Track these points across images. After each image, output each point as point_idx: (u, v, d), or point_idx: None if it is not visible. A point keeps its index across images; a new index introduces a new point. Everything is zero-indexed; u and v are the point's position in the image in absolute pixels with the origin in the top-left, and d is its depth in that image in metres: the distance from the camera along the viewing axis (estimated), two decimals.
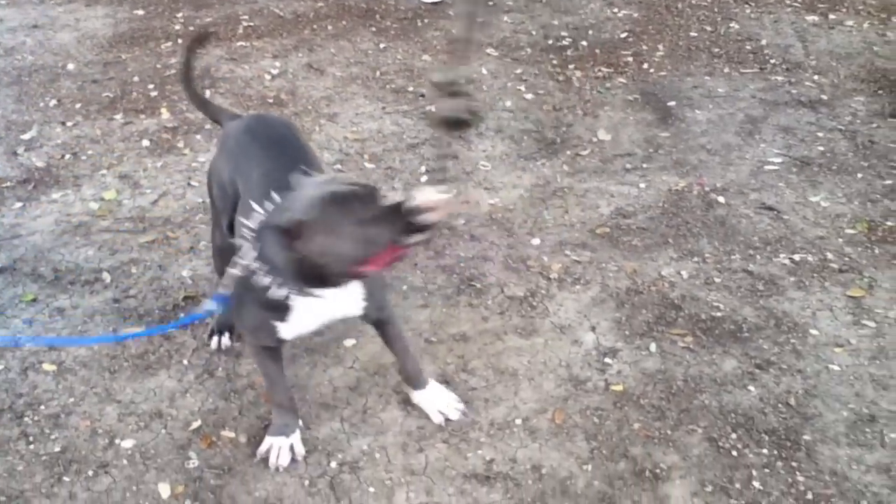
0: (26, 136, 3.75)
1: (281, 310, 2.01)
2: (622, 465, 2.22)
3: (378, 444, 2.29)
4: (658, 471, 2.21)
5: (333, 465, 2.24)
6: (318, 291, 1.92)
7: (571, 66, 4.45)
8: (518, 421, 2.35)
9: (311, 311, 2.04)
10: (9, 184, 3.42)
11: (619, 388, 2.45)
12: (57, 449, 2.25)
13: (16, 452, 2.24)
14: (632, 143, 3.73)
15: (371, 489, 2.17)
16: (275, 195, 1.94)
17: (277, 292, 1.93)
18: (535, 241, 3.09)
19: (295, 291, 1.92)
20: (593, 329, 2.68)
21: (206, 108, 2.64)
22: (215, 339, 2.59)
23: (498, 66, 4.45)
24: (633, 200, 3.32)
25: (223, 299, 2.03)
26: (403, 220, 1.82)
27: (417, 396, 2.38)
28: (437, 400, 2.37)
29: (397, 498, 2.15)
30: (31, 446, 2.27)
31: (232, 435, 2.31)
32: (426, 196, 1.82)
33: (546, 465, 2.22)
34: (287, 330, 2.07)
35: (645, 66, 4.40)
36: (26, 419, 2.35)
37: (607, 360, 2.56)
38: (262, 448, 2.24)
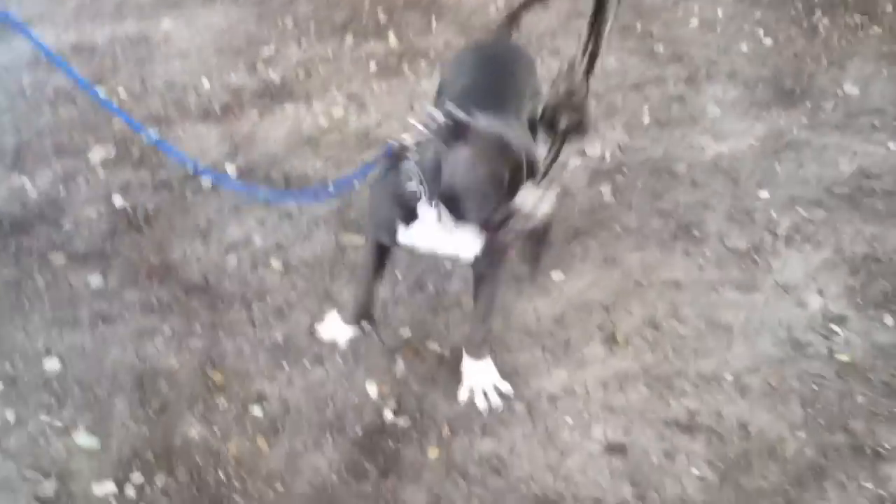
0: (265, 53, 3.98)
1: (409, 213, 1.98)
2: (840, 437, 2.05)
3: (578, 378, 2.27)
4: (880, 449, 2.03)
5: (532, 391, 2.25)
6: (444, 213, 1.87)
7: (818, 13, 4.07)
8: (728, 376, 2.24)
9: (430, 230, 1.98)
10: (248, 94, 3.66)
11: (845, 357, 2.26)
12: (279, 338, 2.42)
13: (243, 336, 2.43)
14: (883, 99, 3.37)
15: (568, 419, 2.16)
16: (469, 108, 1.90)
17: (414, 188, 1.90)
18: (764, 194, 2.89)
19: (427, 197, 1.88)
20: (821, 293, 2.48)
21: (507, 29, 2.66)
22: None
23: (735, 8, 4.16)
24: (880, 161, 3.01)
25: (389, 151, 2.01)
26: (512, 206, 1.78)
27: (467, 365, 2.24)
28: (482, 378, 2.21)
29: (594, 432, 2.12)
30: (257, 333, 2.45)
31: (437, 348, 2.38)
32: (527, 201, 1.77)
33: (754, 425, 2.10)
34: (405, 235, 2.04)
35: None
36: (254, 308, 2.54)
37: (833, 326, 2.36)
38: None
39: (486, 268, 2.13)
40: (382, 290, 2.58)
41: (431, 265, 2.67)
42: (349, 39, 3.97)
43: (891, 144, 3.10)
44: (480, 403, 2.20)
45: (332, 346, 2.39)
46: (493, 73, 2.29)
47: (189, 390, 2.25)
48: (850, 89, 3.46)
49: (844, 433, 2.06)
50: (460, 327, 2.44)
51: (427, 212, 1.96)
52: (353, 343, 2.41)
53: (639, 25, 4.03)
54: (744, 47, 3.81)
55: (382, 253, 2.26)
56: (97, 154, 3.11)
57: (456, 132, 1.82)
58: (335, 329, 2.40)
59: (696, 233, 2.75)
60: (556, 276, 2.63)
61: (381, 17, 4.16)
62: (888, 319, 2.37)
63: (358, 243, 2.76)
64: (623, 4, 4.23)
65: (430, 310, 2.52)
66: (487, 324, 2.22)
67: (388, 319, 2.48)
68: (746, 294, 2.50)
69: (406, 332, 2.45)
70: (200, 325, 2.44)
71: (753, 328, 2.38)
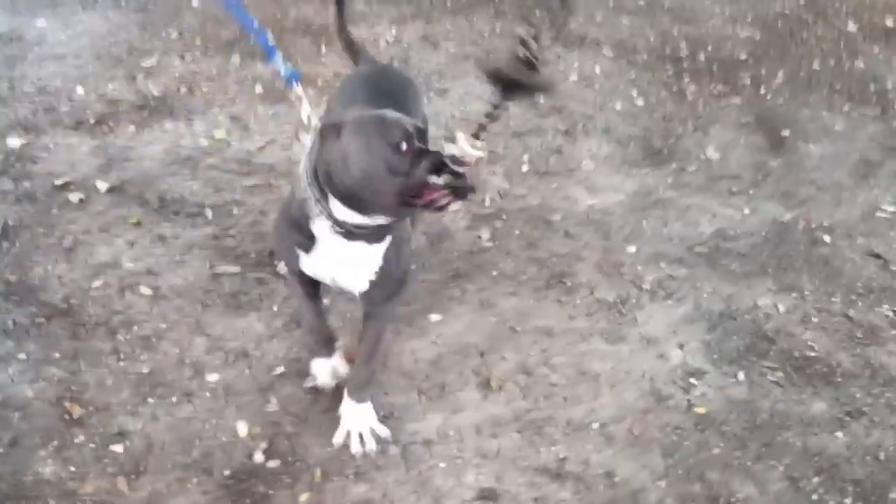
0: (146, 64, 3.83)
1: (307, 237, 1.95)
2: (697, 487, 2.18)
3: (453, 423, 2.30)
4: (733, 500, 2.17)
5: (406, 434, 2.25)
6: (347, 215, 1.86)
7: (686, 79, 4.36)
8: (595, 425, 2.33)
9: (328, 255, 1.96)
10: (125, 107, 3.51)
11: (702, 410, 2.40)
12: (145, 370, 2.31)
13: (106, 366, 2.31)
14: (740, 166, 3.64)
15: (442, 464, 2.18)
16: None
17: (309, 207, 1.89)
18: (631, 249, 3.05)
19: (323, 209, 1.86)
20: (681, 347, 2.63)
21: (353, 52, 2.69)
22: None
23: (612, 66, 4.39)
24: (736, 224, 3.24)
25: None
26: (441, 165, 1.78)
27: (346, 407, 2.23)
28: (360, 421, 2.21)
29: (467, 478, 2.15)
30: (122, 363, 2.33)
31: (312, 388, 2.34)
32: (461, 148, 1.79)
33: (619, 474, 2.20)
34: (307, 263, 2.02)
35: (762, 90, 4.29)
36: (119, 337, 2.42)
37: (692, 380, 2.51)
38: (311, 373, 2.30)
39: (378, 304, 2.11)
40: (257, 325, 2.53)
41: None
42: (236, 59, 3.90)
43: (745, 209, 3.34)
44: (355, 448, 2.18)
45: (202, 381, 2.30)
46: (380, 94, 2.30)
47: (44, 423, 2.10)
48: (712, 154, 3.71)
49: (701, 483, 2.19)
50: None
51: (322, 231, 1.92)
52: (224, 378, 2.33)
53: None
54: (618, 105, 4.02)
55: (305, 280, 2.13)
56: None
57: (334, 130, 1.81)
58: (323, 369, 2.30)
59: (567, 282, 2.86)
60: (434, 317, 2.66)
61: (270, 39, 4.10)
62: (741, 375, 2.54)
63: (233, 272, 2.70)
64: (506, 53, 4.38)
65: (306, 346, 2.48)
66: (372, 366, 2.20)
67: (263, 355, 2.43)
68: (613, 345, 2.62)
69: (280, 369, 2.40)
70: (60, 353, 2.30)
71: (619, 378, 2.49)
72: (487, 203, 3.22)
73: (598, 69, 4.33)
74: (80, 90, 3.42)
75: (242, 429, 2.20)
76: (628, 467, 2.21)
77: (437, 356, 2.52)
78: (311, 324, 2.26)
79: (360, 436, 2.19)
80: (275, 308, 2.59)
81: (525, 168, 3.46)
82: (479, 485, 2.13)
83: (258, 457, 2.13)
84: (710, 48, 4.72)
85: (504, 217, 3.16)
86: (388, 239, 1.97)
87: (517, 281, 2.85)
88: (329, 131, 1.82)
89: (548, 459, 2.22)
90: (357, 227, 1.88)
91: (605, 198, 3.35)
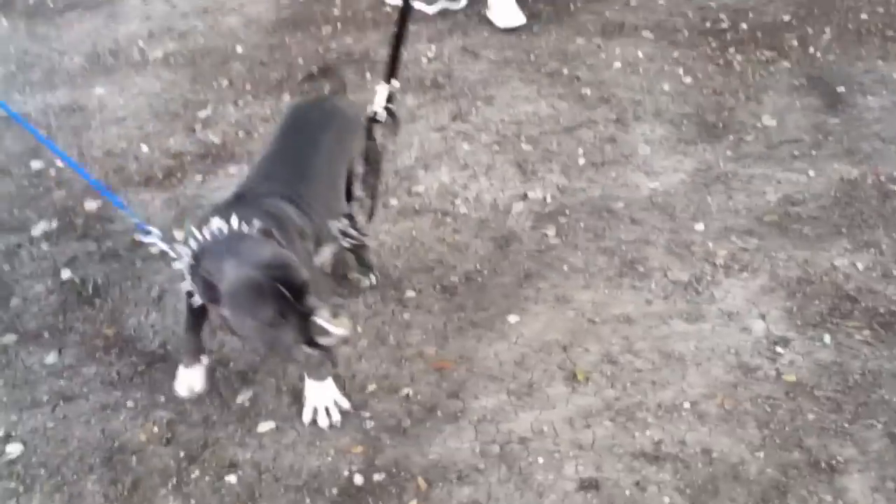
0: (202, 115, 3.99)
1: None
2: (796, 454, 2.17)
3: (545, 418, 2.34)
4: (834, 463, 2.15)
5: (502, 435, 2.30)
6: None
7: (731, 50, 4.32)
8: (686, 404, 2.35)
9: None
10: (189, 158, 3.66)
11: (792, 378, 2.39)
12: (247, 403, 2.42)
13: (210, 403, 2.42)
14: (798, 130, 3.60)
15: (540, 460, 2.22)
16: (231, 220, 2.06)
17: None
18: (699, 227, 3.05)
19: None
20: (763, 317, 2.62)
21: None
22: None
23: (654, 49, 4.38)
24: (803, 188, 3.21)
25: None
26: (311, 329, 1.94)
27: (309, 386, 2.35)
28: (324, 397, 2.33)
29: (566, 470, 2.19)
30: (224, 398, 2.44)
31: (404, 402, 2.42)
32: (326, 322, 1.93)
33: (716, 450, 2.20)
34: None
35: (811, 49, 4.22)
36: (217, 374, 2.54)
37: (778, 349, 2.50)
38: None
39: None
40: (343, 347, 2.61)
41: (389, 317, 2.71)
42: (286, 97, 4.02)
43: (810, 172, 3.30)
44: (322, 421, 2.32)
45: (299, 407, 2.40)
46: (297, 138, 2.43)
47: (160, 464, 2.23)
48: (768, 121, 3.68)
49: (800, 450, 2.18)
50: (425, 378, 2.49)
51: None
52: None
53: (565, 70, 4.20)
54: (666, 86, 4.01)
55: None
56: (39, 228, 3.07)
57: (211, 293, 1.99)
58: (189, 378, 2.45)
59: (640, 268, 2.88)
60: (512, 318, 2.71)
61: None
62: (827, 338, 2.52)
63: None
64: (547, 51, 4.41)
65: (394, 362, 2.56)
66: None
67: (353, 375, 2.51)
68: (694, 324, 2.62)
69: (371, 386, 2.48)
70: (165, 396, 2.42)
71: (704, 356, 2.50)
72: (549, 201, 3.26)
73: (640, 53, 4.33)
74: (144, 148, 3.59)
75: (344, 448, 2.29)
76: (725, 443, 2.22)
77: (520, 356, 2.56)
78: (186, 329, 2.42)
79: (327, 410, 2.33)
80: (358, 329, 2.67)
81: (581, 161, 3.49)
82: (579, 476, 2.17)
83: (363, 472, 2.21)
84: (751, 15, 4.67)
85: (567, 212, 3.19)
86: None
87: (589, 273, 2.88)
88: (208, 293, 1.99)
89: (643, 444, 2.24)
90: None
91: (665, 179, 3.35)
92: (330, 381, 2.36)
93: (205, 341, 2.46)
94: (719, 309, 2.67)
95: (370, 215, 2.73)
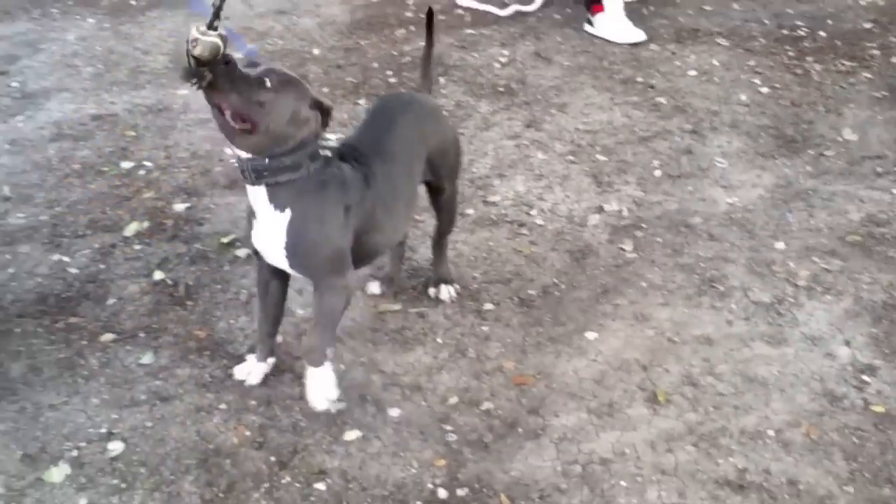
0: None
1: (252, 212, 2.28)
2: (887, 490, 2.17)
3: (626, 440, 2.37)
4: None
5: (584, 455, 2.33)
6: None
7: (810, 59, 4.26)
8: (770, 432, 2.35)
9: (259, 223, 2.26)
10: None
11: (881, 408, 2.38)
12: (333, 411, 2.48)
13: (298, 409, 2.49)
14: (881, 145, 3.54)
15: (623, 483, 2.25)
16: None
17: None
18: (780, 245, 3.03)
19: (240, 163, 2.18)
20: (847, 343, 2.60)
21: (428, 80, 2.84)
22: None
23: (730, 56, 4.34)
24: (887, 207, 3.16)
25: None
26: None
27: (308, 373, 2.41)
28: (321, 384, 2.39)
29: (649, 495, 2.21)
30: (311, 406, 2.51)
31: (486, 416, 2.46)
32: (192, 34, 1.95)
33: (803, 481, 2.21)
34: (255, 237, 2.30)
35: (894, 59, 4.14)
36: (305, 381, 2.61)
37: (865, 377, 2.48)
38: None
39: (312, 277, 2.33)
40: (424, 358, 2.66)
41: (468, 329, 2.76)
42: (362, 102, 4.08)
43: (895, 190, 3.25)
44: (322, 406, 2.39)
45: (385, 417, 2.46)
46: (379, 126, 2.51)
47: (252, 468, 2.31)
48: (849, 135, 3.63)
49: (891, 486, 2.17)
50: (505, 393, 2.53)
51: (252, 195, 2.22)
52: (404, 413, 2.47)
53: (639, 77, 4.18)
54: (742, 96, 3.98)
55: (263, 265, 2.40)
56: (132, 228, 3.18)
57: None
58: (249, 368, 2.55)
59: (719, 287, 2.87)
60: (591, 335, 2.73)
61: (391, 78, 4.27)
62: None
63: (395, 309, 2.85)
64: (620, 57, 4.39)
65: (474, 375, 2.60)
66: (317, 331, 2.35)
67: (435, 387, 2.56)
68: (777, 347, 2.61)
69: (453, 399, 2.53)
70: (256, 401, 2.50)
71: (788, 382, 2.50)
72: (625, 213, 3.26)
73: (715, 61, 4.29)
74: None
75: (428, 460, 2.34)
76: (811, 474, 2.22)
77: (599, 374, 2.59)
78: (259, 317, 2.52)
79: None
80: (439, 340, 2.72)
81: (657, 173, 3.48)
82: (662, 501, 2.19)
83: (446, 486, 2.26)
84: (829, 22, 4.60)
85: (644, 226, 3.19)
86: (291, 209, 2.21)
87: (667, 290, 2.88)
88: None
89: (727, 471, 2.25)
90: (256, 168, 2.15)
91: (743, 194, 3.33)
92: (328, 367, 2.40)
93: (274, 345, 2.58)
94: (802, 333, 2.66)
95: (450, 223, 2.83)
